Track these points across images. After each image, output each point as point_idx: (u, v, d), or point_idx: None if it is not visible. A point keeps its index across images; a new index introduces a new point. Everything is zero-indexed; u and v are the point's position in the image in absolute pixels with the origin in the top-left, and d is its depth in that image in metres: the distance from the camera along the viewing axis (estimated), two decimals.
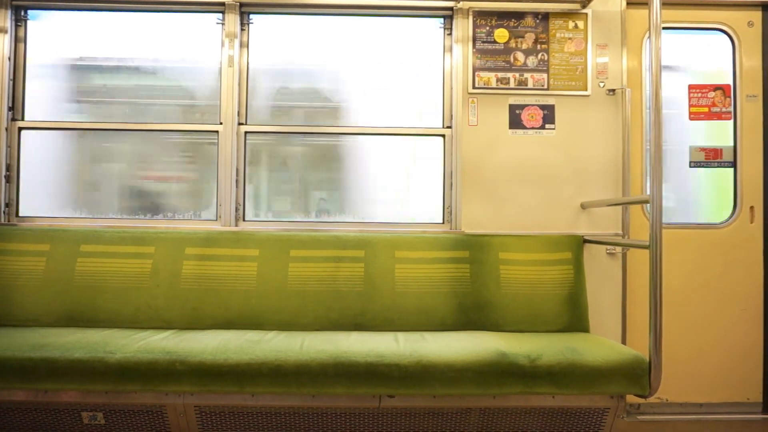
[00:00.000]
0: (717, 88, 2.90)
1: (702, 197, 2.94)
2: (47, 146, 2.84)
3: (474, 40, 2.80)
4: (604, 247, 2.75)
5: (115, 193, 2.86)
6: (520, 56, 2.80)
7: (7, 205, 2.79)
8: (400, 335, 2.33)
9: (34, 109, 2.84)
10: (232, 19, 2.81)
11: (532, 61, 2.80)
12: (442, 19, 2.89)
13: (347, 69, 2.91)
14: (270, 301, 2.50)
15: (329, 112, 2.92)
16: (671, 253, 2.83)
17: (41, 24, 2.86)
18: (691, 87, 2.90)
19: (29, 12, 2.86)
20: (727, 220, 2.87)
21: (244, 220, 2.83)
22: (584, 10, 2.82)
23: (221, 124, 2.80)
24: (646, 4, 2.80)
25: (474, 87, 2.79)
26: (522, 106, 2.80)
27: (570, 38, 2.81)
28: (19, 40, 2.84)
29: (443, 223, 2.84)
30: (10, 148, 2.79)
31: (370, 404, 2.04)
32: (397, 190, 2.89)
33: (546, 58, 2.80)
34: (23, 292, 2.49)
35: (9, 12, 2.79)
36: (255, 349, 2.04)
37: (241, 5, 2.82)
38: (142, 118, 2.86)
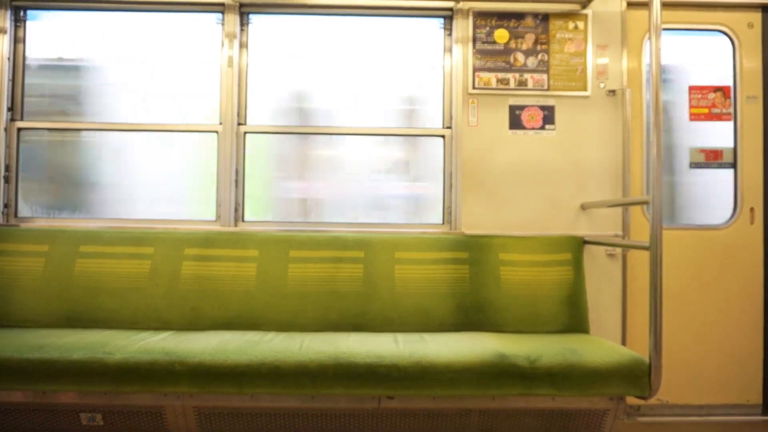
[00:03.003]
0: (717, 89, 2.90)
1: None
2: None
3: (474, 40, 2.80)
4: (604, 248, 2.75)
5: None
6: (520, 57, 2.80)
7: (6, 205, 2.78)
8: (400, 336, 2.32)
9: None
10: (232, 20, 2.81)
11: (532, 61, 2.80)
12: (442, 20, 2.89)
13: (347, 69, 2.91)
14: (269, 301, 2.50)
15: (329, 112, 2.91)
16: (671, 255, 2.83)
17: (41, 24, 2.86)
18: (691, 88, 2.90)
19: (28, 12, 2.86)
20: (727, 222, 2.87)
21: (243, 220, 2.82)
22: (584, 11, 2.82)
23: (221, 124, 2.80)
24: (647, 5, 2.80)
25: (474, 87, 2.79)
26: (522, 107, 2.79)
27: (570, 39, 2.81)
28: (18, 41, 2.83)
29: (443, 223, 2.83)
30: (9, 148, 2.79)
31: (370, 405, 2.03)
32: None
33: (546, 58, 2.80)
34: (22, 292, 2.49)
35: (8, 12, 2.79)
36: (254, 349, 2.03)
37: (241, 5, 2.82)
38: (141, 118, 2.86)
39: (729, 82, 2.90)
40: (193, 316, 2.47)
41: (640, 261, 2.81)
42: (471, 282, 2.55)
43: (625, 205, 2.66)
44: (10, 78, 2.80)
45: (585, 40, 2.82)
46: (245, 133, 2.83)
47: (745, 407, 2.82)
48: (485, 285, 2.55)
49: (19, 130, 2.81)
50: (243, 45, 2.86)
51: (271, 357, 1.99)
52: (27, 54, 2.84)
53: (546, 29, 2.81)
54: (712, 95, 2.89)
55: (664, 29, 2.89)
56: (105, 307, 2.47)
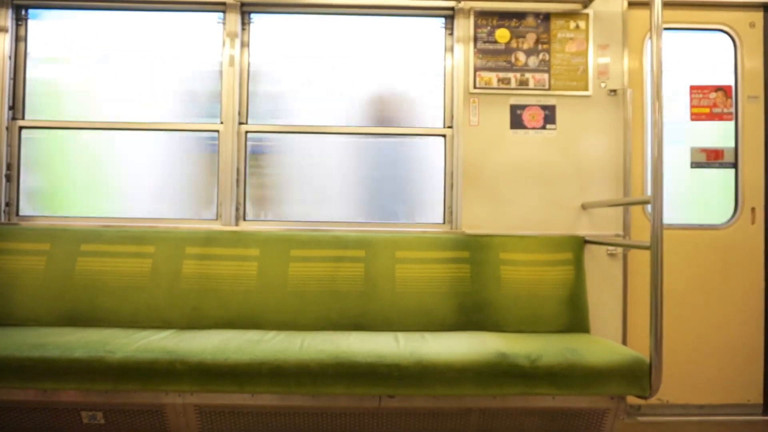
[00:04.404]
0: (718, 89, 2.89)
1: None
2: None
3: (475, 40, 2.80)
4: (604, 247, 2.75)
5: None
6: (522, 56, 2.80)
7: (7, 204, 2.79)
8: (400, 335, 2.32)
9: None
10: (233, 19, 2.81)
11: (533, 61, 2.80)
12: (443, 19, 2.89)
13: (347, 68, 2.91)
14: (270, 301, 2.50)
15: (329, 111, 2.91)
16: (672, 254, 2.83)
17: (42, 23, 2.87)
18: (692, 88, 2.90)
19: (30, 11, 2.86)
20: (728, 221, 2.86)
21: (244, 219, 2.83)
22: (585, 11, 2.81)
23: (222, 123, 2.80)
24: (648, 4, 2.79)
25: (475, 87, 2.79)
26: (523, 107, 2.79)
27: (571, 38, 2.81)
28: (19, 39, 2.84)
29: (444, 223, 2.83)
30: (10, 147, 2.79)
31: (370, 404, 2.03)
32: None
33: (547, 58, 2.80)
34: (23, 291, 2.49)
35: (10, 11, 2.79)
36: (255, 348, 2.03)
37: (242, 5, 2.82)
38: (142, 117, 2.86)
39: (730, 82, 2.90)
40: (194, 315, 2.48)
41: (641, 261, 2.80)
42: (472, 281, 2.55)
43: (626, 205, 2.66)
44: (12, 77, 2.80)
45: (586, 39, 2.81)
46: (246, 132, 2.83)
47: (746, 407, 2.82)
48: (486, 284, 2.55)
49: (21, 128, 2.81)
50: (244, 44, 2.86)
51: (272, 356, 1.99)
52: (28, 53, 2.85)
53: (547, 29, 2.81)
54: (713, 95, 2.89)
55: (666, 29, 2.89)
56: (106, 306, 2.48)
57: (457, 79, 2.79)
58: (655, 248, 1.99)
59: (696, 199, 2.89)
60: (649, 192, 2.03)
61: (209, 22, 2.86)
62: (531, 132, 2.79)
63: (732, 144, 2.88)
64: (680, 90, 2.91)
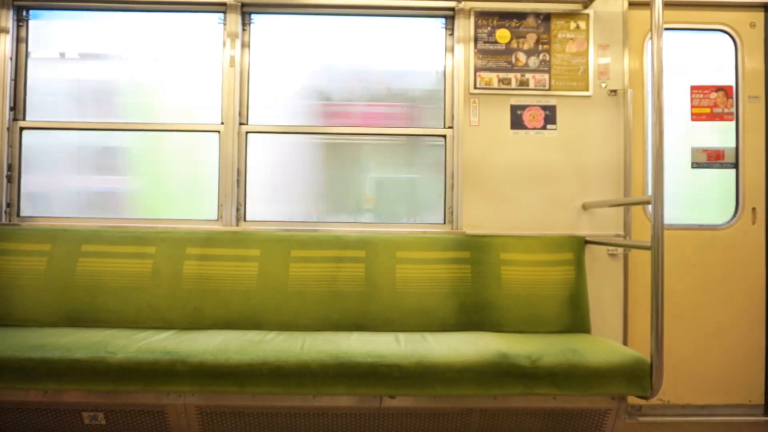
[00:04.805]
0: (719, 89, 2.89)
1: None
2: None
3: (475, 40, 2.80)
4: (605, 247, 2.75)
5: None
6: (522, 57, 2.80)
7: (8, 204, 2.79)
8: (401, 336, 2.32)
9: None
10: (234, 20, 2.81)
11: (533, 61, 2.80)
12: (443, 20, 2.89)
13: (348, 68, 2.91)
14: (271, 301, 2.50)
15: (330, 112, 2.91)
16: (673, 254, 2.83)
17: (43, 24, 2.87)
18: (693, 88, 2.90)
19: (31, 12, 2.86)
20: (729, 222, 2.86)
21: (245, 220, 2.83)
22: (586, 11, 2.81)
23: (222, 124, 2.80)
24: (648, 4, 2.80)
25: (475, 87, 2.79)
26: (523, 107, 2.79)
27: (572, 39, 2.81)
28: (20, 40, 2.84)
29: (444, 223, 2.83)
30: (11, 147, 2.80)
31: (371, 405, 2.04)
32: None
33: (547, 58, 2.80)
34: (24, 292, 2.49)
35: (11, 12, 2.79)
36: (256, 349, 2.03)
37: (243, 5, 2.82)
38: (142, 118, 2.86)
39: (731, 82, 2.90)
40: (195, 315, 2.48)
41: (642, 261, 2.80)
42: (472, 282, 2.55)
43: (627, 205, 2.66)
44: (13, 78, 2.81)
45: (586, 39, 2.81)
46: (247, 132, 2.83)
47: (747, 407, 2.81)
48: (487, 285, 2.55)
49: (22, 129, 2.81)
50: (245, 45, 2.86)
51: (273, 357, 1.99)
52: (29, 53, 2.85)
53: (547, 29, 2.81)
54: (713, 95, 2.89)
55: (666, 29, 2.88)
56: (107, 307, 2.48)
57: (457, 80, 2.79)
58: (656, 248, 1.99)
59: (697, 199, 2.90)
60: (649, 192, 2.03)
61: (210, 22, 2.86)
62: (531, 132, 2.79)
63: (732, 144, 2.89)
64: (681, 90, 2.91)
